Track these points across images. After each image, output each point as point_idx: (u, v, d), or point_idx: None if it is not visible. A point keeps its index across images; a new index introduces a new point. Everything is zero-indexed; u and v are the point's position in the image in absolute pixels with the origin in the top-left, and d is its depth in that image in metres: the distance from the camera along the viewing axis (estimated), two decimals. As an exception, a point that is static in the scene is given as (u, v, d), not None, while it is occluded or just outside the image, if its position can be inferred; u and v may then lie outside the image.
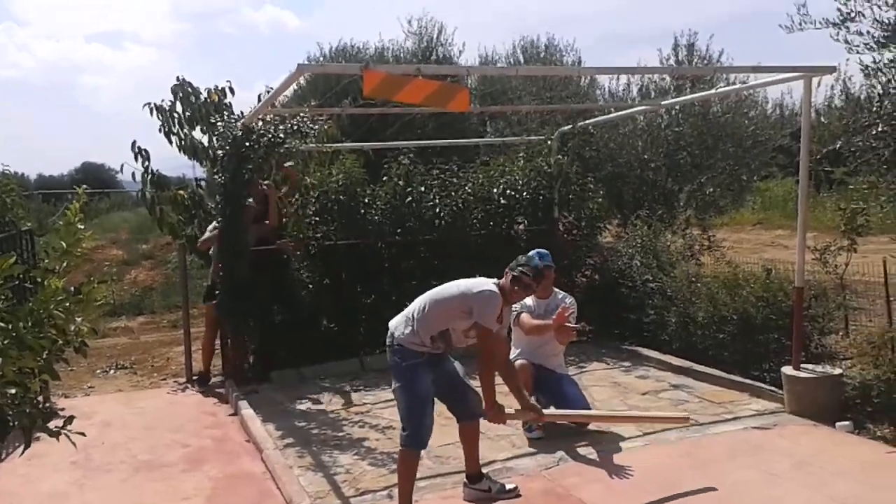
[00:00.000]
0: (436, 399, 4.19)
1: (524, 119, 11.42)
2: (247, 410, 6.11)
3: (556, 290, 5.71)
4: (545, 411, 4.97)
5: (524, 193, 8.48)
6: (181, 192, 8.21)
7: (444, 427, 4.96)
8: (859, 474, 4.40)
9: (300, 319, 7.52)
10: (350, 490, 4.54)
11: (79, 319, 2.45)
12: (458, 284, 4.19)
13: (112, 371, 8.42)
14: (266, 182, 7.43)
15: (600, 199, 8.89)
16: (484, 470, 4.51)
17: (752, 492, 4.27)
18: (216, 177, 7.17)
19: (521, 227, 8.40)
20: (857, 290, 8.02)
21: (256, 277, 7.10)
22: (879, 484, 4.22)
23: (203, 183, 8.59)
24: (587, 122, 9.28)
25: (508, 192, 8.44)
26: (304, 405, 6.47)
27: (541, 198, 8.51)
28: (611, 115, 9.47)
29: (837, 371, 5.60)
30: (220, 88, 8.39)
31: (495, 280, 4.23)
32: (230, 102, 8.34)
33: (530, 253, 5.63)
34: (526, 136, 9.94)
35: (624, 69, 8.27)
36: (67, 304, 2.45)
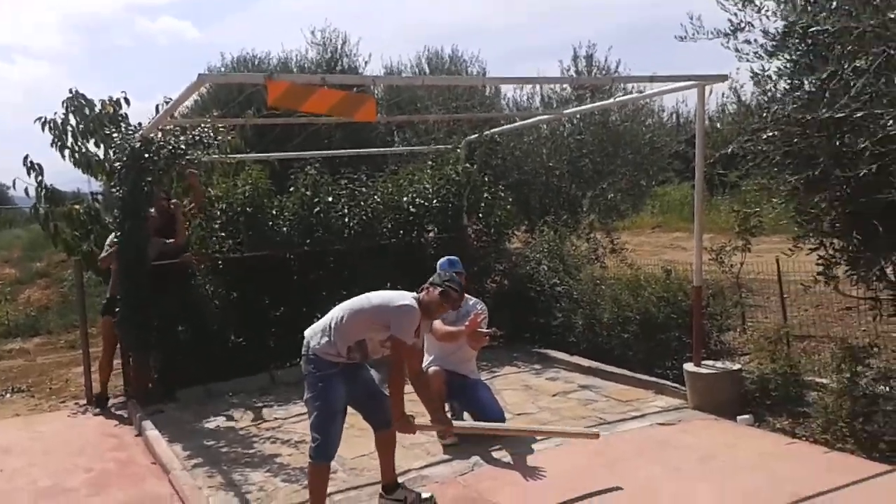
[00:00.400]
0: (351, 409, 4.15)
1: (431, 128, 11.51)
2: (151, 431, 5.88)
3: (468, 295, 5.75)
4: (456, 423, 5.00)
5: (433, 201, 8.53)
6: (76, 206, 7.85)
7: (358, 438, 4.94)
8: (760, 466, 4.60)
9: (206, 335, 7.30)
10: (262, 508, 4.44)
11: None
12: (378, 296, 4.18)
13: (8, 395, 7.97)
14: (173, 201, 7.21)
15: (508, 206, 9.03)
16: (400, 479, 4.49)
17: (660, 487, 4.40)
18: (113, 190, 6.89)
19: (431, 234, 8.44)
20: (753, 289, 8.44)
21: (159, 293, 6.86)
22: (780, 475, 4.42)
23: (99, 197, 8.26)
24: (493, 130, 9.43)
25: (418, 200, 8.47)
26: (212, 423, 6.29)
27: (450, 205, 8.58)
28: (516, 124, 9.66)
29: (736, 366, 5.86)
30: (114, 99, 8.09)
31: (414, 294, 4.23)
32: (126, 113, 8.04)
33: (441, 260, 5.69)
34: (434, 145, 10.02)
35: (526, 79, 8.45)
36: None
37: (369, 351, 4.14)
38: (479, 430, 5.25)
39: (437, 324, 5.42)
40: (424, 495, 4.38)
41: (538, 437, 5.33)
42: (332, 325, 4.06)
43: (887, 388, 4.76)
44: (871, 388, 4.83)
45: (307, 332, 4.17)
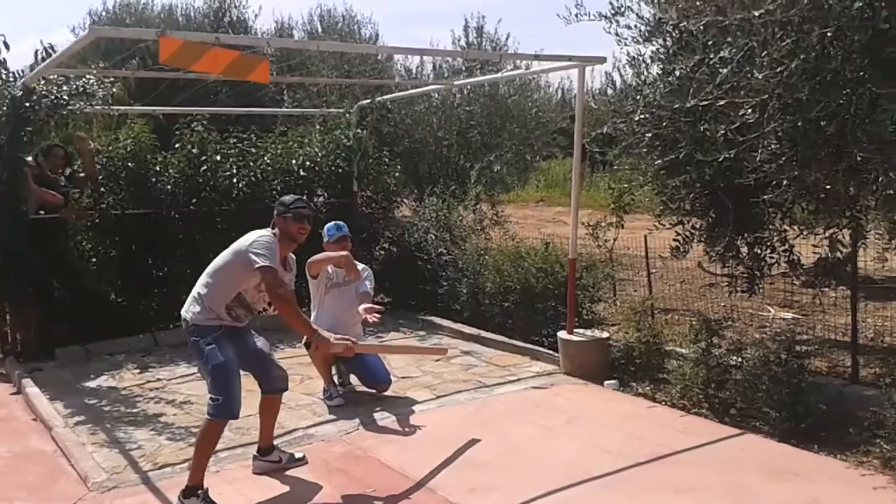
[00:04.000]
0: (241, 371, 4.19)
1: (323, 91, 11.42)
2: (31, 388, 5.75)
3: (355, 261, 5.88)
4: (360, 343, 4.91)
5: (324, 166, 8.55)
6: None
7: (245, 399, 5.00)
8: (621, 426, 5.00)
9: (85, 293, 7.10)
10: (148, 464, 4.47)
11: None
12: (231, 246, 4.14)
13: None
14: (80, 133, 6.93)
15: (397, 174, 9.17)
16: (287, 438, 4.63)
17: (531, 444, 4.75)
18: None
19: (321, 199, 8.48)
20: (623, 263, 8.99)
21: (35, 248, 6.63)
22: (640, 435, 4.82)
23: None
24: (385, 97, 9.50)
25: (308, 163, 8.45)
26: (93, 382, 6.19)
27: (340, 171, 8.62)
28: (408, 92, 9.78)
29: (605, 335, 6.28)
30: (-8, 43, 7.60)
31: (267, 230, 4.17)
32: (4, 59, 7.60)
33: (328, 224, 5.78)
34: (325, 107, 9.99)
35: (419, 50, 8.56)
36: None
37: (249, 303, 4.11)
38: (364, 348, 5.12)
39: (315, 257, 5.42)
40: (297, 455, 4.47)
41: (419, 399, 5.59)
42: (202, 293, 4.05)
43: (739, 359, 5.18)
44: (724, 358, 5.26)
45: (182, 312, 4.12)
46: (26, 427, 5.25)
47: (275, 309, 4.09)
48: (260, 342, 4.33)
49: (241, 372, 4.11)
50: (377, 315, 5.26)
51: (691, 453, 4.51)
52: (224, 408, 3.92)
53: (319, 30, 18.47)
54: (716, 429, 4.91)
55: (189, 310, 4.07)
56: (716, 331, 5.45)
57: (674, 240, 5.71)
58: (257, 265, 3.90)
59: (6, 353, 6.91)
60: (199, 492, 3.86)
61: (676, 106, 4.96)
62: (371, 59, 12.19)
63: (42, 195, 6.93)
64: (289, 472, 4.35)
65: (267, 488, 4.18)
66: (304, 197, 5.80)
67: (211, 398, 3.94)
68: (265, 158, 8.24)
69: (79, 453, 4.57)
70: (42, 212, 6.91)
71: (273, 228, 4.20)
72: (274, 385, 4.33)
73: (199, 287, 4.10)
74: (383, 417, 5.25)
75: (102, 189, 7.37)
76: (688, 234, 5.67)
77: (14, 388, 6.09)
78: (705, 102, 4.67)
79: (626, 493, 4.03)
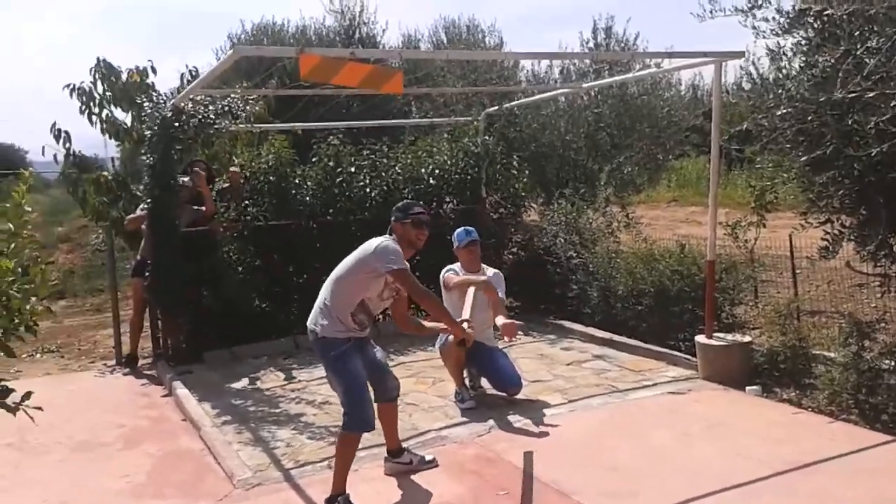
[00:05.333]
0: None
1: (450, 100, 11.59)
2: (182, 390, 6.14)
3: (484, 265, 5.93)
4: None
5: (452, 173, 8.68)
6: (104, 173, 8.07)
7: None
8: (765, 432, 4.78)
9: (231, 300, 7.53)
10: (290, 462, 4.67)
11: (33, 299, 2.51)
12: (351, 256, 4.19)
13: (38, 355, 8.26)
14: (195, 169, 7.42)
15: (525, 179, 9.16)
16: (420, 439, 4.71)
17: (669, 450, 4.61)
18: (143, 157, 7.11)
19: (450, 206, 8.60)
20: (766, 264, 8.55)
21: (186, 259, 7.09)
22: (782, 440, 4.61)
23: (117, 164, 8.48)
24: (512, 103, 9.53)
25: (437, 171, 8.61)
26: (239, 384, 6.54)
27: (468, 177, 8.72)
28: (534, 97, 9.75)
29: (747, 339, 6.03)
30: (141, 69, 8.26)
31: (385, 236, 4.22)
32: (153, 82, 8.23)
33: (457, 230, 5.85)
34: (453, 117, 10.14)
35: (546, 54, 8.56)
36: (20, 285, 2.51)
37: (371, 309, 4.18)
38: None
39: (451, 275, 5.56)
40: (428, 458, 4.54)
41: (552, 403, 5.55)
42: (327, 304, 4.10)
43: (892, 363, 4.89)
44: (876, 362, 4.98)
45: (308, 323, 4.17)
46: (177, 427, 5.60)
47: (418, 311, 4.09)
48: (379, 353, 4.37)
49: None
50: (519, 334, 5.34)
51: (840, 461, 4.28)
52: (357, 420, 4.00)
53: (445, 40, 18.77)
54: (866, 435, 4.64)
55: (318, 322, 4.10)
56: (867, 333, 5.15)
57: (822, 238, 5.40)
58: (392, 269, 3.98)
59: (158, 357, 7.41)
60: (340, 497, 3.98)
61: (822, 99, 4.70)
62: (497, 66, 12.25)
63: (207, 205, 7.35)
64: (424, 473, 4.43)
65: (402, 487, 4.27)
66: (432, 204, 5.96)
67: (346, 411, 4.02)
68: (396, 168, 8.46)
69: (225, 452, 4.83)
70: (192, 226, 7.37)
71: (391, 234, 4.23)
72: (389, 394, 4.39)
73: (324, 297, 4.14)
74: (515, 421, 5.24)
75: (246, 203, 7.80)
76: (837, 232, 5.34)
77: (165, 391, 6.52)
78: (853, 94, 4.40)
79: (768, 503, 3.84)
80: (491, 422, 5.21)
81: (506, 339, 5.36)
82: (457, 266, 5.74)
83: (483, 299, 5.60)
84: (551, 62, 12.56)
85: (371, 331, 4.34)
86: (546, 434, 4.98)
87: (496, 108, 9.29)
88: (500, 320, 5.35)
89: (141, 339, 7.68)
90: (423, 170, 8.61)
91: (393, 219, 4.30)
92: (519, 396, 5.66)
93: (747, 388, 5.66)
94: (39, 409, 2.54)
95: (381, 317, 4.34)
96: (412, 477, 4.38)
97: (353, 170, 8.17)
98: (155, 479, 4.62)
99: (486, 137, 8.93)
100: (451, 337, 5.53)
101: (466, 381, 5.77)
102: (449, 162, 8.73)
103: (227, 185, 7.79)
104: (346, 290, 4.10)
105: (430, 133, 10.16)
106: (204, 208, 7.35)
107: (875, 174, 4.83)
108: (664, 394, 5.71)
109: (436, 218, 4.27)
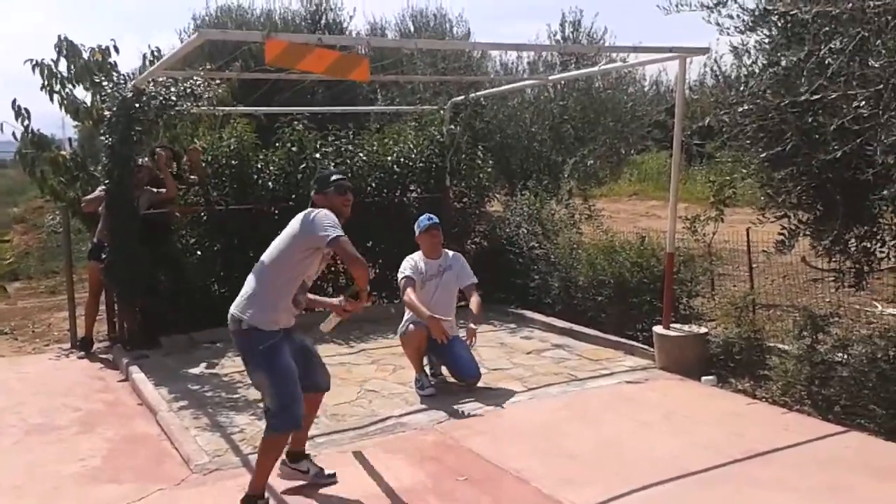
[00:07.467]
0: (341, 361, 4.21)
1: (417, 88, 11.56)
2: (138, 374, 6.06)
3: (446, 250, 5.94)
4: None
5: (417, 162, 8.66)
6: (63, 153, 7.88)
7: (339, 387, 5.16)
8: (721, 422, 4.87)
9: (190, 285, 7.43)
10: (248, 448, 4.62)
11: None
12: (280, 237, 3.91)
13: (-9, 336, 8.09)
14: (194, 145, 7.30)
15: (489, 169, 9.18)
16: (380, 426, 4.70)
17: (626, 438, 4.67)
18: (102, 137, 6.96)
19: (414, 194, 8.59)
20: (723, 257, 8.70)
21: (143, 242, 6.98)
22: (739, 431, 4.70)
23: (75, 143, 8.30)
24: (478, 93, 9.53)
25: (402, 160, 8.59)
26: (196, 369, 6.47)
27: (433, 166, 8.71)
28: (501, 88, 9.77)
29: (703, 330, 6.13)
30: (103, 47, 8.07)
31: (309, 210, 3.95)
32: (115, 61, 8.04)
33: (420, 217, 5.87)
34: (419, 105, 10.11)
35: (514, 45, 8.58)
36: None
37: (307, 285, 3.95)
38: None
39: (409, 291, 5.55)
40: (328, 472, 4.17)
41: (512, 390, 5.59)
42: (260, 290, 3.81)
43: (845, 356, 4.99)
44: (829, 355, 5.08)
45: (232, 310, 3.84)
46: (133, 412, 5.52)
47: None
48: (307, 340, 4.12)
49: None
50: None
51: (793, 451, 4.37)
52: (291, 419, 3.74)
53: (412, 29, 18.68)
54: (819, 426, 4.75)
55: (245, 310, 3.77)
56: (821, 327, 5.25)
57: (779, 233, 5.51)
58: (332, 237, 3.66)
59: (114, 342, 7.29)
60: (260, 502, 3.75)
61: (786, 101, 4.77)
62: (465, 56, 12.25)
63: (168, 186, 7.20)
64: (384, 458, 4.41)
65: (362, 474, 4.26)
66: (396, 191, 5.87)
67: (273, 410, 3.72)
68: (360, 155, 8.40)
69: (182, 437, 4.78)
70: (151, 209, 7.25)
71: (314, 208, 3.93)
72: (319, 385, 4.12)
73: (256, 284, 3.84)
74: (475, 408, 5.27)
75: (208, 186, 7.70)
76: (793, 227, 5.45)
77: (121, 375, 6.42)
78: (817, 95, 4.48)
79: (723, 491, 3.92)
80: (450, 409, 5.23)
81: (467, 342, 5.60)
82: (417, 255, 5.77)
83: (448, 288, 5.69)
84: (519, 54, 12.62)
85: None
86: (505, 421, 5.02)
87: (463, 97, 9.29)
88: (472, 325, 5.56)
89: (97, 322, 7.54)
90: (388, 157, 8.58)
91: (313, 192, 4.04)
92: (479, 385, 5.69)
93: (703, 378, 5.76)
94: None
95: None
96: (372, 463, 4.37)
97: (317, 156, 8.09)
98: (111, 464, 4.55)
99: (452, 127, 8.92)
100: (412, 326, 5.55)
101: (427, 369, 5.79)
102: (414, 150, 8.71)
103: (186, 166, 7.68)
104: (284, 274, 3.81)
105: (396, 120, 10.12)
106: (164, 190, 7.23)
107: (833, 171, 4.93)
108: (622, 383, 5.79)
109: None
